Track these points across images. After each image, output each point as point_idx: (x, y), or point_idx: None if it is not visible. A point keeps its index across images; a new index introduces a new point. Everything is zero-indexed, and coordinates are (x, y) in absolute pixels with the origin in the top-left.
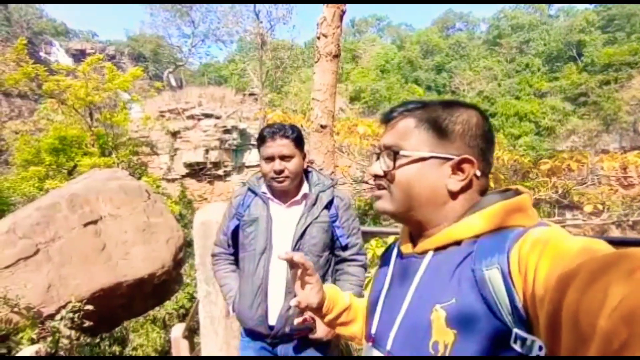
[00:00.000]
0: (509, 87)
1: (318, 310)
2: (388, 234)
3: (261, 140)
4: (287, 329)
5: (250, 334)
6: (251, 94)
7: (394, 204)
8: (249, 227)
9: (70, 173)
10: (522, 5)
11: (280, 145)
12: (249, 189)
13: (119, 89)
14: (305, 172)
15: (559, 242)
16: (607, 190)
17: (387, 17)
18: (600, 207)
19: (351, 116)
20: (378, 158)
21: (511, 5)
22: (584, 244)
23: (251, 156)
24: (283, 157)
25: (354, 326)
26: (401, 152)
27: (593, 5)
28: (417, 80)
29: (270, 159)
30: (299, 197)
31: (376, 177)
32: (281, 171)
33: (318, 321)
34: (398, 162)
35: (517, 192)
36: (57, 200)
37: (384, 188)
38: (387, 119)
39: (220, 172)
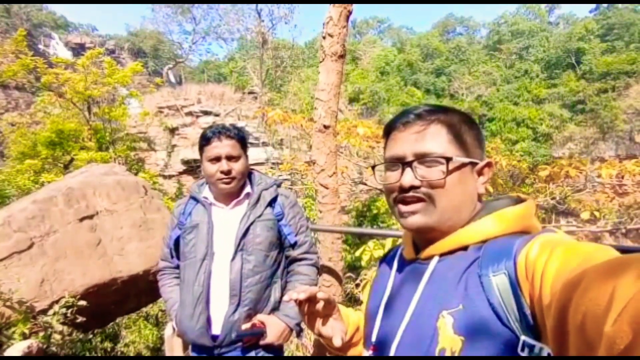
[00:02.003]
0: (507, 92)
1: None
2: (385, 236)
3: (206, 140)
4: (233, 335)
5: (196, 347)
6: (250, 93)
7: (437, 214)
8: (189, 234)
9: (67, 167)
10: (523, 11)
11: (227, 146)
12: (191, 196)
13: (118, 84)
14: (248, 173)
15: (566, 247)
16: (604, 197)
17: (388, 20)
18: (597, 214)
19: (350, 117)
20: (403, 169)
21: (512, 10)
22: (590, 250)
23: (249, 154)
24: (230, 158)
25: (360, 346)
26: (455, 159)
27: (593, 13)
28: (417, 83)
29: (216, 159)
30: (241, 197)
31: (410, 188)
32: (229, 171)
33: (269, 326)
34: (449, 169)
35: (520, 199)
36: (53, 194)
37: (420, 200)
38: (399, 125)
39: None
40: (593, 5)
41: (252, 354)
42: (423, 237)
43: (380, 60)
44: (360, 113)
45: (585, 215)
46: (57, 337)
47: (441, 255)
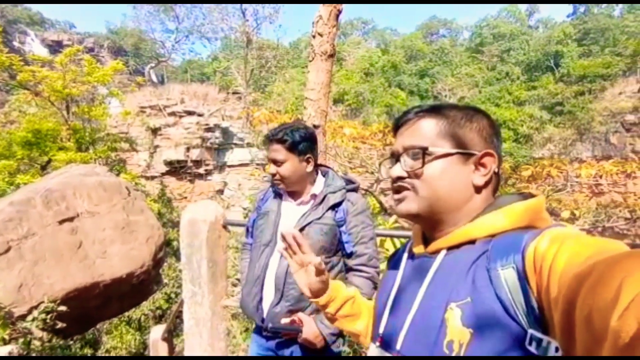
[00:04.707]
0: (489, 94)
1: (318, 297)
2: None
3: (264, 143)
4: (268, 325)
5: (255, 325)
6: (235, 93)
7: (420, 203)
8: (260, 219)
9: (44, 168)
10: (504, 14)
11: (273, 151)
12: (271, 185)
13: (98, 83)
14: (324, 173)
15: (575, 241)
16: (582, 197)
17: (373, 21)
18: (576, 213)
19: (334, 118)
20: (397, 161)
21: (493, 14)
22: (599, 244)
23: (233, 155)
24: (275, 162)
25: (358, 322)
26: (430, 149)
27: (570, 18)
28: (401, 84)
29: (270, 161)
30: (307, 197)
31: (397, 179)
32: (274, 175)
33: (305, 326)
34: (426, 160)
35: (529, 195)
36: (31, 195)
37: (406, 189)
38: (401, 122)
39: (202, 170)
40: (571, 10)
41: (287, 352)
42: (433, 232)
43: (364, 62)
44: (344, 114)
45: (565, 214)
46: (37, 343)
47: (448, 249)
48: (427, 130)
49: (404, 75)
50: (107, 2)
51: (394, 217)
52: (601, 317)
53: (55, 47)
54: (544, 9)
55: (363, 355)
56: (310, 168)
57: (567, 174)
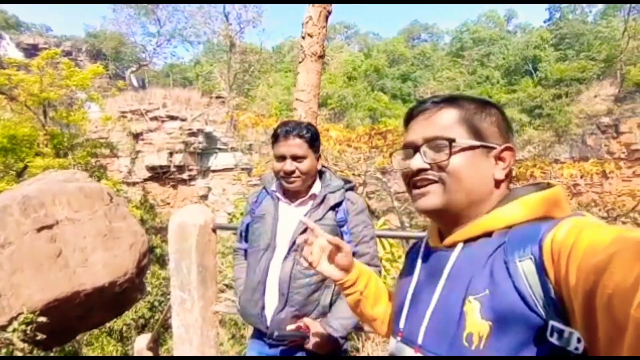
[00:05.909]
0: None
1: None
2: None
3: (274, 138)
4: (275, 333)
5: (255, 330)
6: (218, 97)
7: (448, 196)
8: (256, 223)
9: (20, 175)
10: (483, 19)
11: (293, 145)
12: (264, 187)
13: (76, 87)
14: (320, 173)
15: (593, 230)
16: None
17: (355, 25)
18: None
19: (319, 121)
20: (415, 153)
21: (473, 19)
22: (617, 232)
23: (217, 160)
24: (295, 158)
25: (379, 306)
26: (458, 141)
27: (547, 23)
28: (383, 88)
29: (282, 158)
30: (306, 197)
31: (418, 172)
32: (292, 172)
33: (312, 332)
34: (452, 151)
35: (550, 186)
36: (7, 202)
37: (431, 183)
38: (417, 112)
39: (185, 176)
40: (547, 16)
41: (298, 355)
42: (451, 226)
43: (347, 65)
44: (328, 118)
45: None
46: (19, 354)
47: (465, 241)
48: (449, 121)
49: (387, 79)
50: (88, 2)
51: (382, 219)
52: (621, 304)
53: (31, 50)
54: (522, 15)
55: (362, 355)
56: (319, 166)
57: (549, 174)
